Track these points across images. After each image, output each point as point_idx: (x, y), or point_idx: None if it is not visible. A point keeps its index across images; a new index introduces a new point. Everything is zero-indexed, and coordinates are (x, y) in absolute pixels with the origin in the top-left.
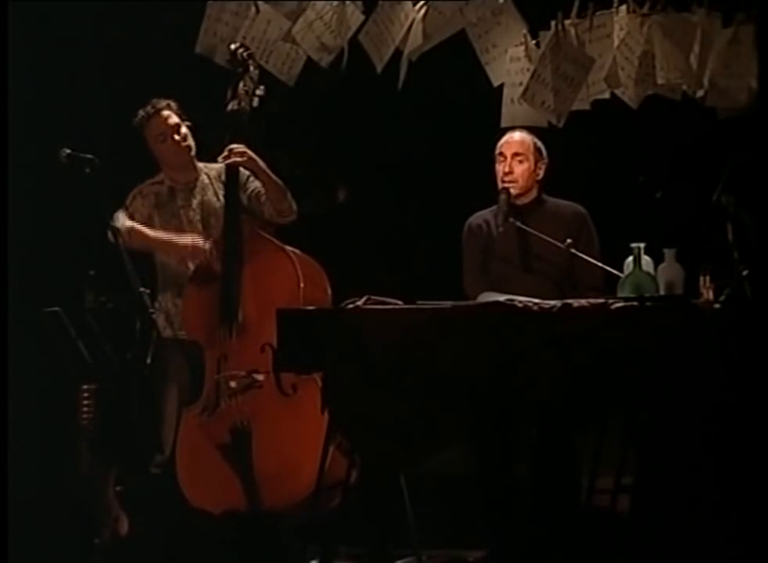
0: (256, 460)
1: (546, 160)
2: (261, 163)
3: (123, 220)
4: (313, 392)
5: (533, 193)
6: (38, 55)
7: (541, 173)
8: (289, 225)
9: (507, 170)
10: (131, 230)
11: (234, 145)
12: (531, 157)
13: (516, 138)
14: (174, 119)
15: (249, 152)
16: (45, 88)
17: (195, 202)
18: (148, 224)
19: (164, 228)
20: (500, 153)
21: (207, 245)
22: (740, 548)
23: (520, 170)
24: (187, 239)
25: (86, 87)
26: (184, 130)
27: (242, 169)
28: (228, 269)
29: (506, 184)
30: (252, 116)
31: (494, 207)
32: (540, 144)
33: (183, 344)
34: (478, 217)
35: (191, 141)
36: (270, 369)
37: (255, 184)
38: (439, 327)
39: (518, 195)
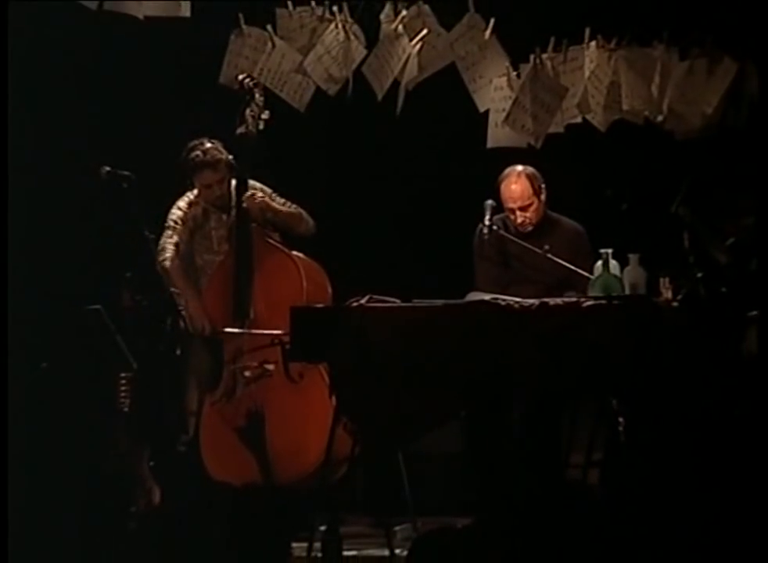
0: (269, 440)
1: (543, 183)
2: (272, 204)
3: (171, 253)
4: (317, 379)
5: (542, 215)
6: (78, 77)
7: (544, 197)
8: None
9: (521, 220)
10: (172, 267)
11: (250, 193)
12: (535, 197)
13: (517, 189)
14: (223, 173)
15: (261, 199)
16: (92, 107)
17: (224, 222)
18: (187, 246)
19: (198, 249)
20: (510, 208)
21: (207, 326)
22: (697, 516)
23: (530, 213)
24: (197, 313)
25: (135, 112)
26: (230, 179)
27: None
28: (240, 273)
29: (522, 228)
30: (258, 137)
31: (503, 214)
32: (535, 174)
33: (206, 338)
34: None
35: (231, 187)
36: (279, 360)
37: (273, 218)
38: (432, 322)
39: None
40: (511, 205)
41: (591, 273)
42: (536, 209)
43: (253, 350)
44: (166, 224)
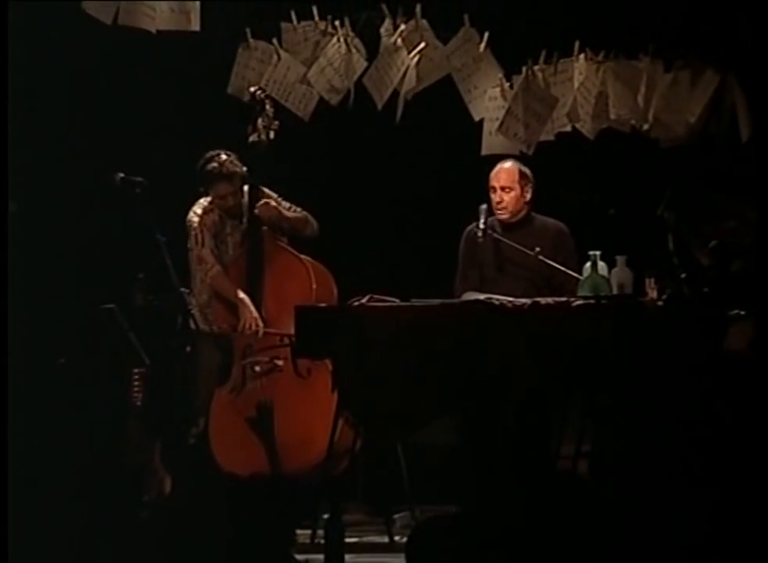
0: (278, 432)
1: (532, 183)
2: (282, 210)
3: (213, 262)
4: (324, 375)
5: (523, 213)
6: (91, 86)
7: (528, 195)
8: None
9: (498, 200)
10: (217, 275)
11: (264, 201)
12: (517, 186)
13: (503, 172)
14: (238, 184)
15: (274, 206)
16: (108, 117)
17: (238, 227)
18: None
19: (215, 253)
20: (492, 186)
21: (260, 331)
22: (682, 503)
23: (508, 198)
24: (251, 315)
25: (147, 121)
26: (244, 190)
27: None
28: (252, 274)
29: (499, 213)
30: (269, 146)
31: (493, 217)
32: (525, 170)
33: (216, 336)
34: (474, 227)
35: (244, 197)
36: (288, 356)
37: (282, 222)
38: (429, 321)
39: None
40: (494, 184)
41: (576, 268)
42: (515, 198)
43: (263, 347)
44: (194, 233)
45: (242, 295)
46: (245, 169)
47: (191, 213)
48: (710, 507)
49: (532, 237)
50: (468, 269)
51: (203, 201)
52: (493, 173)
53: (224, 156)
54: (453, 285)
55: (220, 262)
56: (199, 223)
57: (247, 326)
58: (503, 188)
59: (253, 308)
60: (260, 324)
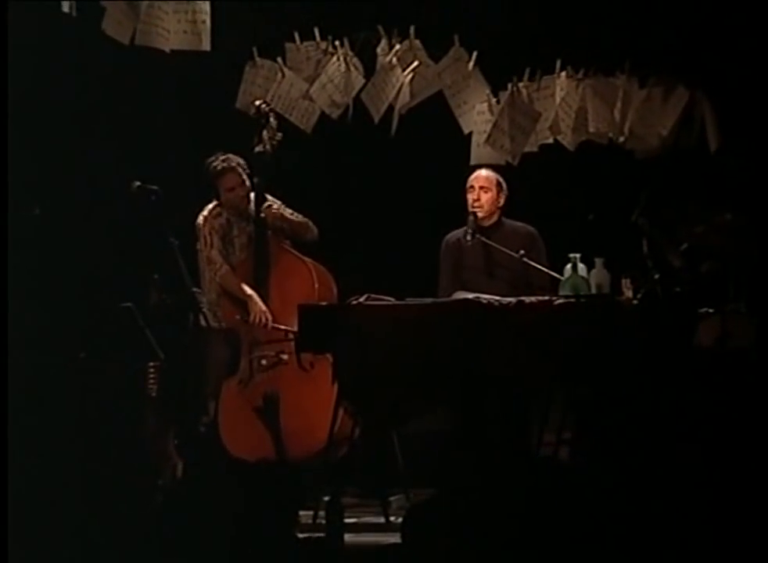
0: (283, 420)
1: (506, 192)
2: (286, 214)
3: (221, 262)
4: (326, 367)
5: (495, 217)
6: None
7: (502, 201)
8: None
9: (475, 198)
10: (226, 274)
11: (268, 204)
12: (494, 189)
13: (483, 174)
14: (243, 176)
15: (277, 210)
16: (125, 131)
17: (245, 230)
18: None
19: (223, 254)
20: (471, 186)
21: (269, 324)
22: (647, 484)
23: (485, 198)
24: (260, 309)
25: (162, 134)
26: (248, 184)
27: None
28: (259, 274)
29: (474, 209)
30: (273, 156)
31: (465, 227)
32: (501, 179)
33: (225, 332)
34: (453, 235)
35: (250, 192)
36: (292, 350)
37: (285, 226)
38: (422, 318)
39: (484, 218)
40: (473, 184)
41: (546, 266)
42: (492, 198)
43: (269, 342)
44: (203, 236)
45: (249, 291)
46: (246, 166)
47: (199, 217)
48: (684, 492)
49: (506, 240)
50: (454, 271)
51: (211, 205)
52: (472, 176)
53: (223, 156)
54: (438, 288)
55: (228, 262)
56: (208, 225)
57: (257, 320)
58: (481, 187)
59: (261, 302)
60: (269, 316)
